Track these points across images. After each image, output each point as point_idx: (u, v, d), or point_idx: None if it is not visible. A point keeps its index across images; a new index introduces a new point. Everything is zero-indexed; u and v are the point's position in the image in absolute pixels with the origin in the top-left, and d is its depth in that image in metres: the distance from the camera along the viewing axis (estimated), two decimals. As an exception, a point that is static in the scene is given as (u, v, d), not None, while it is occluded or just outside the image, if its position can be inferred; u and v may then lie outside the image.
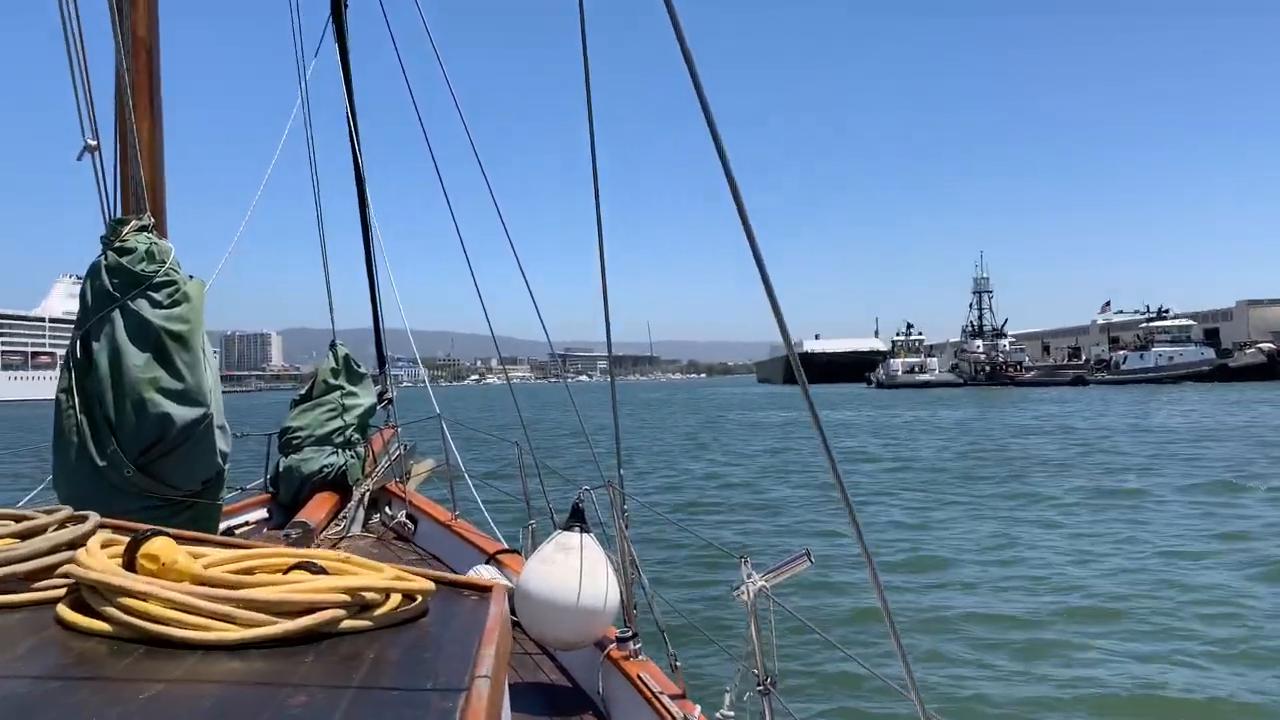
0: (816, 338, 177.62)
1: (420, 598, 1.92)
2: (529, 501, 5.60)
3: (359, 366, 8.46)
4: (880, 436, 37.26)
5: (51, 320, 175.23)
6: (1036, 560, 12.40)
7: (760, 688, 2.92)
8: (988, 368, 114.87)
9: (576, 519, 4.06)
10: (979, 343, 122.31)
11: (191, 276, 4.00)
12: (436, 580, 2.06)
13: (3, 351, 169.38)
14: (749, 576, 2.88)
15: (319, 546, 6.84)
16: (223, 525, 7.23)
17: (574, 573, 3.87)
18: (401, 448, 9.06)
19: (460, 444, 8.02)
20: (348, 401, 8.16)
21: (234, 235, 8.03)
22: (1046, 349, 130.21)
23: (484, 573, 5.22)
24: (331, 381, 8.22)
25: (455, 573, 6.44)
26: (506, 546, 5.86)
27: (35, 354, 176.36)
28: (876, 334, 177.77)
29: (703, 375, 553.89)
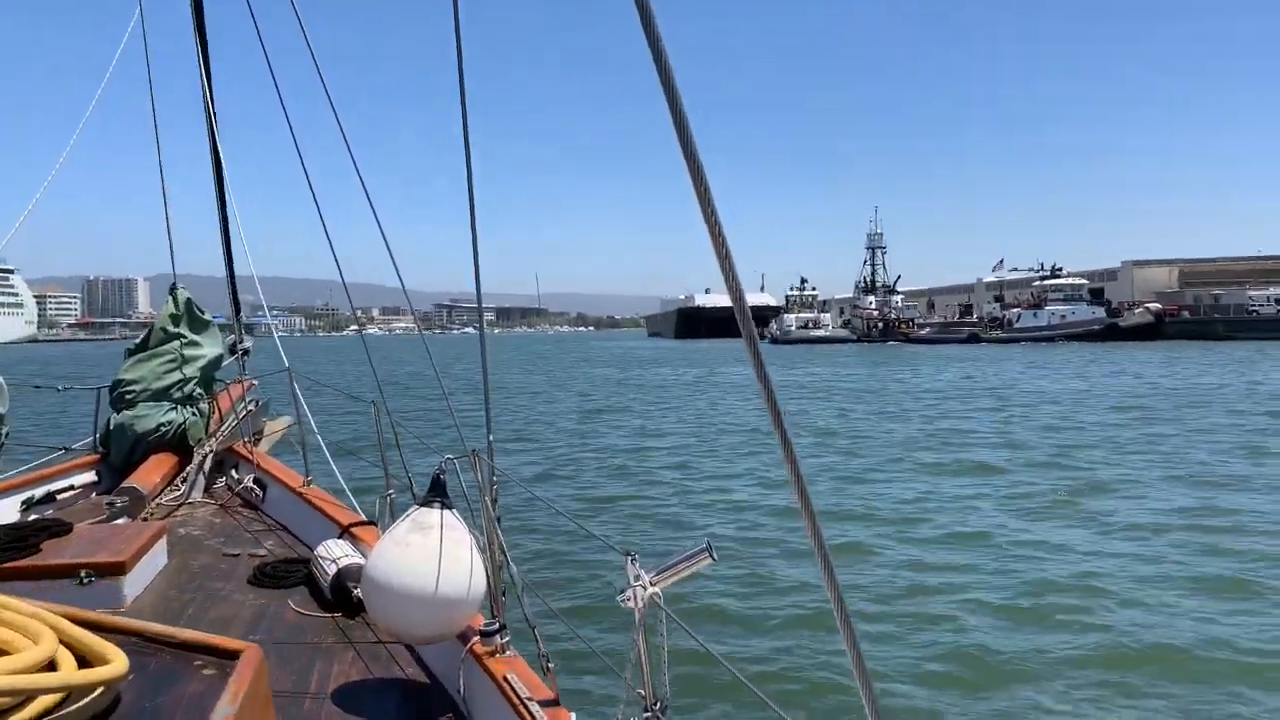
0: (707, 292, 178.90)
1: (102, 688, 1.34)
2: (387, 470, 5.09)
3: (203, 313, 7.72)
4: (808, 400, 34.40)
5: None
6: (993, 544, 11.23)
7: (647, 713, 2.50)
8: (880, 324, 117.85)
9: (436, 493, 3.59)
10: (871, 299, 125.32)
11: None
12: (149, 643, 1.42)
13: None
14: (637, 578, 2.44)
15: (151, 515, 6.17)
16: (44, 489, 6.51)
17: (432, 555, 3.41)
18: (254, 404, 8.36)
19: (318, 403, 7.39)
20: (189, 352, 7.46)
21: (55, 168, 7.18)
22: (932, 306, 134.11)
23: (335, 549, 4.71)
24: (170, 329, 7.49)
25: (305, 544, 5.91)
26: (363, 518, 5.34)
27: None
28: (763, 289, 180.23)
29: (590, 328, 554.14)
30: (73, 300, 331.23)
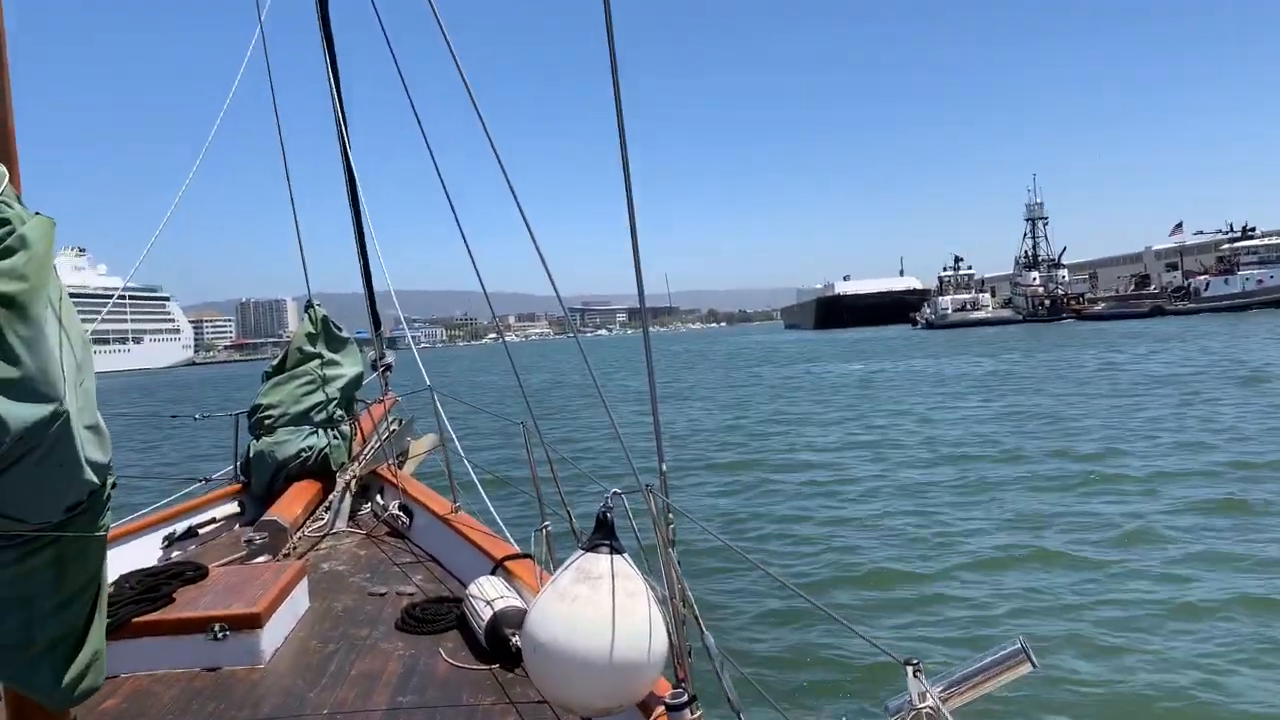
0: (846, 279, 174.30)
1: None
2: (541, 500, 4.66)
3: (340, 330, 7.56)
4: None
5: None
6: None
7: None
8: (1047, 301, 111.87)
9: (604, 535, 3.10)
10: (1035, 274, 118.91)
11: (38, 213, 3.00)
12: None
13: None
14: (922, 697, 1.83)
15: (294, 549, 5.97)
16: (185, 524, 6.42)
17: (603, 610, 2.92)
18: (398, 424, 8.19)
19: (463, 420, 7.08)
20: (328, 372, 7.29)
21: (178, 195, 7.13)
22: (1094, 278, 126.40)
23: (489, 588, 4.31)
24: (308, 349, 7.34)
25: (456, 578, 5.57)
26: (517, 550, 4.93)
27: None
28: (901, 272, 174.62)
29: (722, 324, 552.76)
30: (227, 323, 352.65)
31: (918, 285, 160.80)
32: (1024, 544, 10.52)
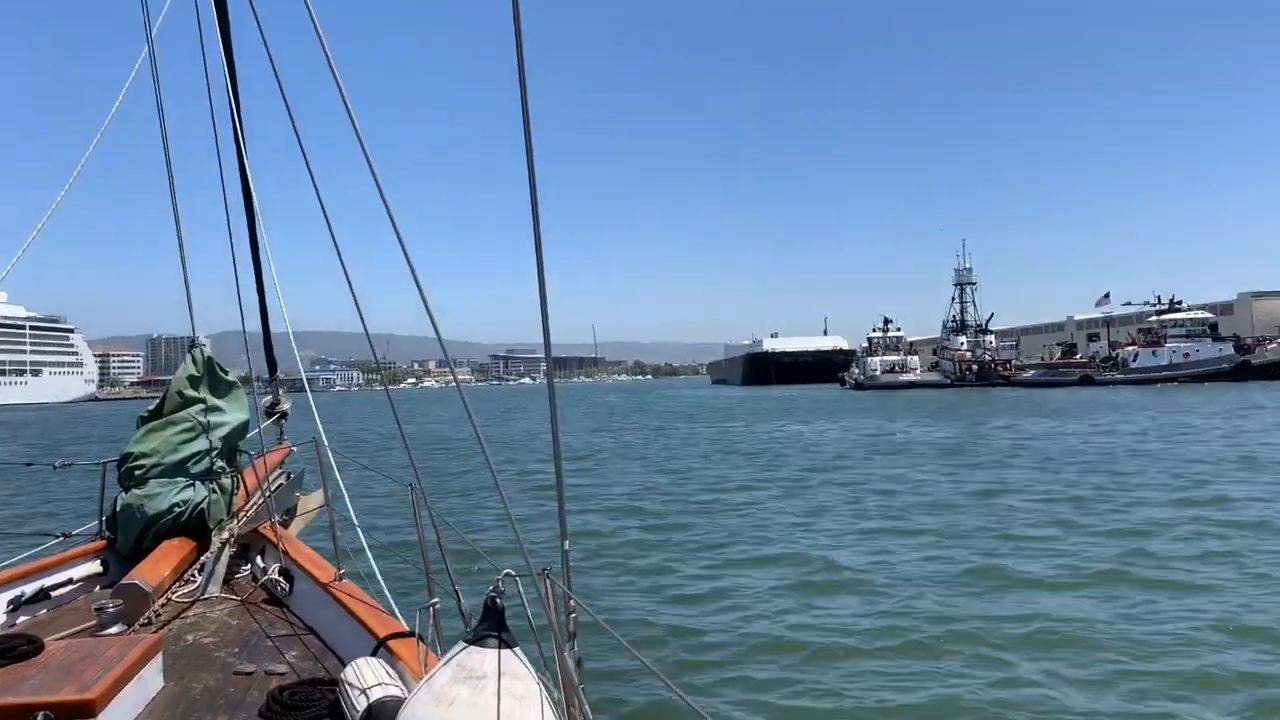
0: (774, 336, 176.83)
1: None
2: (429, 572, 4.24)
3: (226, 373, 7.04)
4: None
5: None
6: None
7: None
8: (975, 366, 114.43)
9: (492, 626, 2.72)
10: (962, 339, 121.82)
11: None
12: None
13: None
14: None
15: (156, 616, 5.41)
16: (37, 584, 5.80)
17: (487, 717, 2.53)
18: (285, 477, 7.66)
19: (356, 476, 6.61)
20: (211, 419, 6.77)
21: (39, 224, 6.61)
22: (1017, 346, 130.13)
23: (367, 673, 3.86)
24: (189, 393, 6.81)
25: (335, 655, 5.08)
26: (403, 628, 4.48)
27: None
28: (825, 332, 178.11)
29: (648, 376, 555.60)
30: (136, 358, 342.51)
31: (844, 345, 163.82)
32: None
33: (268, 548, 6.56)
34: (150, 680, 4.23)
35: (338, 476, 6.13)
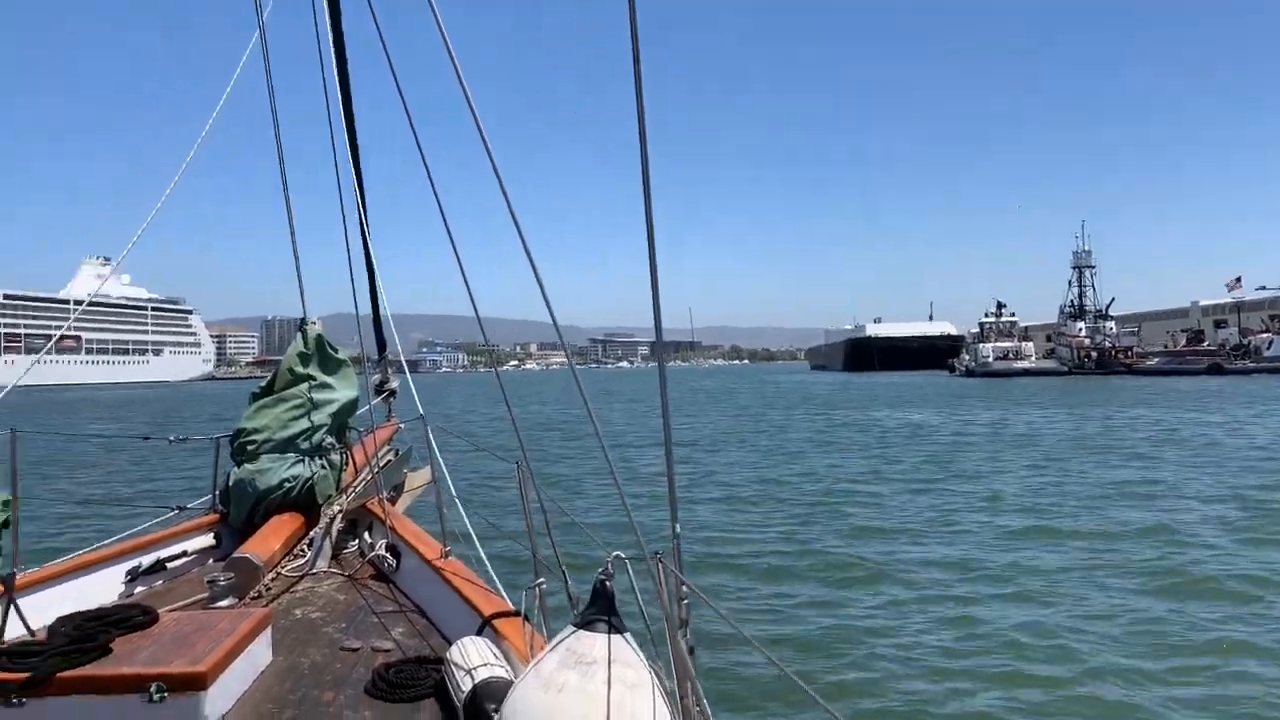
0: (877, 321, 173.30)
1: None
2: (536, 554, 4.18)
3: (336, 351, 7.15)
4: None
5: (76, 303, 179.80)
6: None
7: None
8: (1094, 354, 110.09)
9: (601, 609, 2.63)
10: (1081, 325, 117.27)
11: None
12: None
13: (28, 335, 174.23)
14: None
15: (267, 590, 5.52)
16: (154, 556, 5.99)
17: (596, 707, 2.45)
18: (393, 454, 7.75)
19: (462, 454, 6.62)
20: (319, 396, 6.88)
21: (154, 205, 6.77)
22: (1136, 333, 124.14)
23: (473, 652, 3.83)
24: (299, 370, 6.93)
25: (441, 633, 5.09)
26: (509, 607, 4.45)
27: (62, 337, 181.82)
28: (930, 318, 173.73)
29: (744, 361, 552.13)
30: (251, 339, 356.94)
31: (951, 331, 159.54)
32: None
33: (375, 524, 6.65)
34: (259, 654, 4.29)
35: (439, 456, 6.14)
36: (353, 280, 7.12)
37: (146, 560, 5.84)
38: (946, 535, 14.63)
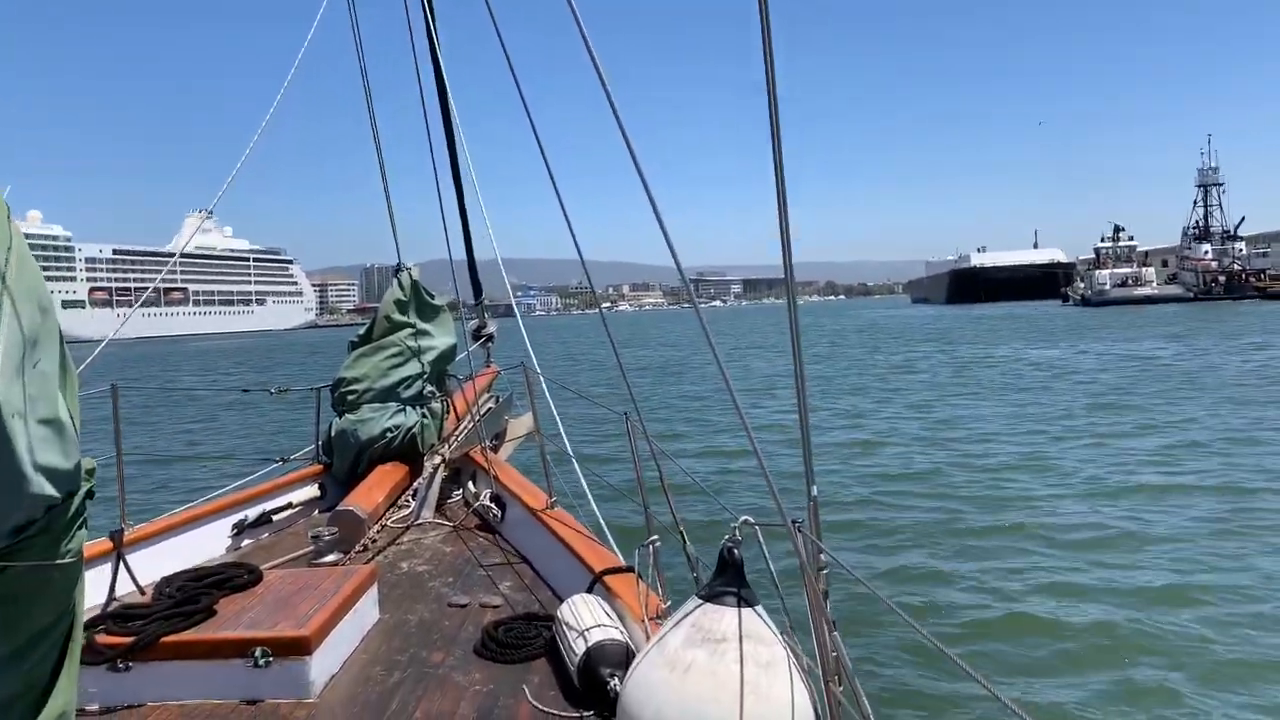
0: (981, 250, 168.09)
1: None
2: (648, 509, 3.98)
3: (433, 297, 7.05)
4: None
5: (183, 256, 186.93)
6: None
7: None
8: (1222, 278, 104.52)
9: (729, 580, 2.41)
10: (1207, 247, 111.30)
11: None
12: None
13: (136, 287, 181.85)
14: None
15: (372, 543, 5.48)
16: (259, 508, 6.01)
17: (729, 690, 2.25)
18: (493, 401, 7.67)
19: (565, 400, 6.43)
20: (419, 343, 6.80)
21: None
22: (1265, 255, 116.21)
23: (585, 612, 3.67)
24: (397, 317, 6.85)
25: (549, 587, 4.97)
26: (620, 562, 4.28)
27: (168, 290, 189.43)
28: (1035, 245, 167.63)
29: (840, 296, 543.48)
30: (351, 286, 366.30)
31: (1061, 258, 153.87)
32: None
33: (479, 473, 6.57)
34: (366, 612, 4.23)
35: (550, 400, 5.98)
36: (445, 226, 6.98)
37: (252, 513, 5.86)
38: (1124, 497, 12.28)
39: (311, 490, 6.47)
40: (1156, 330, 53.13)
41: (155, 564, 4.61)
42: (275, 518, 6.01)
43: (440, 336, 6.98)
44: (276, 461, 6.73)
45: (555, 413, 6.01)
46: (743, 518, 2.44)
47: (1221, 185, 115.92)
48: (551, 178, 4.81)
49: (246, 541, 5.77)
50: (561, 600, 4.33)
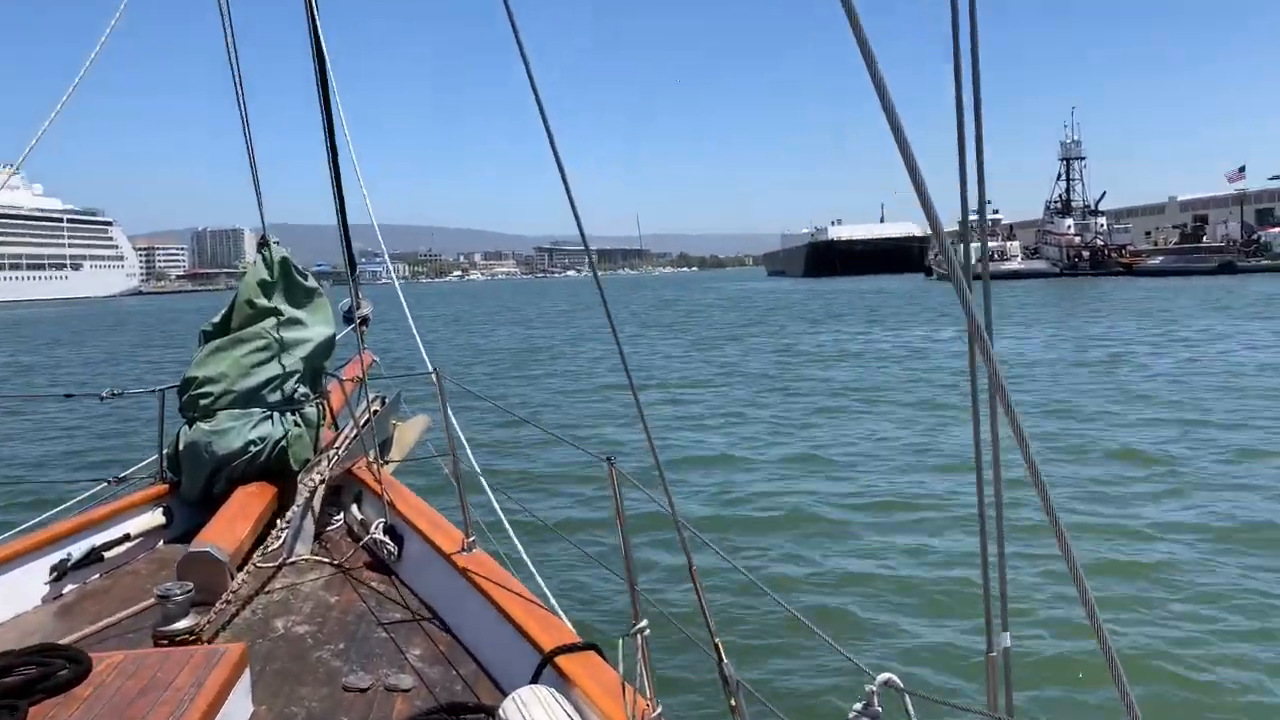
0: (837, 223, 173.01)
1: None
2: (634, 587, 3.19)
3: (305, 277, 6.06)
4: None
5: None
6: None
7: None
8: (1085, 252, 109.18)
9: None
10: (1069, 222, 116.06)
11: None
12: None
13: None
14: None
15: (234, 595, 4.52)
16: (86, 543, 4.94)
17: None
18: (379, 402, 6.70)
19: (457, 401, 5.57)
20: (288, 335, 5.83)
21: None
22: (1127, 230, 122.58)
23: (540, 711, 2.88)
24: (261, 303, 5.84)
25: (475, 660, 4.12)
26: (574, 636, 3.50)
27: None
28: (882, 220, 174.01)
29: (694, 269, 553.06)
30: (181, 251, 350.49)
31: (916, 231, 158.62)
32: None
33: (365, 494, 5.66)
34: (236, 711, 3.30)
35: (454, 419, 5.03)
36: (337, 185, 5.89)
37: (77, 551, 4.82)
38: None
39: (154, 517, 5.43)
40: (1039, 308, 52.93)
41: None
42: (108, 555, 4.97)
43: (315, 326, 5.99)
44: (107, 481, 5.67)
45: (460, 432, 5.06)
46: (885, 676, 1.75)
47: (1084, 159, 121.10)
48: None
49: (69, 588, 4.73)
50: (495, 681, 3.53)
